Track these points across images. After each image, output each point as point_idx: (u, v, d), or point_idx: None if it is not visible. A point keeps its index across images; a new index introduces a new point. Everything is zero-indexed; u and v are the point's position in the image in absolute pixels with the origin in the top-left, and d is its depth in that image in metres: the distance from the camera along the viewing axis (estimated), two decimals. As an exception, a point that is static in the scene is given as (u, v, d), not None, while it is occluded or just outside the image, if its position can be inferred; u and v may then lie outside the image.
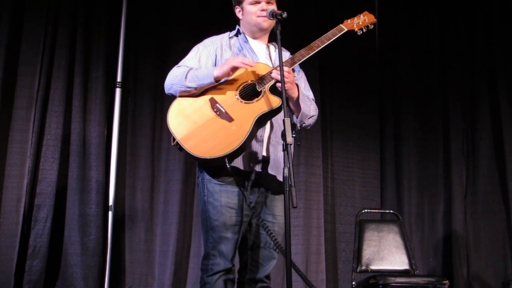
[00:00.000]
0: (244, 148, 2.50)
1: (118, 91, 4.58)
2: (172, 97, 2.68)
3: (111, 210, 4.39)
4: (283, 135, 2.31)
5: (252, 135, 2.50)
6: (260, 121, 2.53)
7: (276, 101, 2.53)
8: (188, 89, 2.57)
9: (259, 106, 2.53)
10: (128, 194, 4.52)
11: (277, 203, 2.64)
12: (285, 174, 2.27)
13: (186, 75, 2.56)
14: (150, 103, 4.67)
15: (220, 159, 2.44)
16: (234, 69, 2.54)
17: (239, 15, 2.80)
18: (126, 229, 4.47)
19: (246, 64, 2.51)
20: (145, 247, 4.48)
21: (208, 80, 2.54)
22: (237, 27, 2.82)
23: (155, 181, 4.60)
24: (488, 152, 5.07)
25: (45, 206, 4.18)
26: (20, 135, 4.19)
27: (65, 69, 4.39)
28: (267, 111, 2.51)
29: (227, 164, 2.44)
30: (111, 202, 4.41)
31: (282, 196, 2.45)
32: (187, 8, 4.84)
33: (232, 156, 2.47)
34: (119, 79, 4.59)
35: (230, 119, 2.51)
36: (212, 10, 4.86)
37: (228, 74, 2.55)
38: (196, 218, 4.55)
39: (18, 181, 4.13)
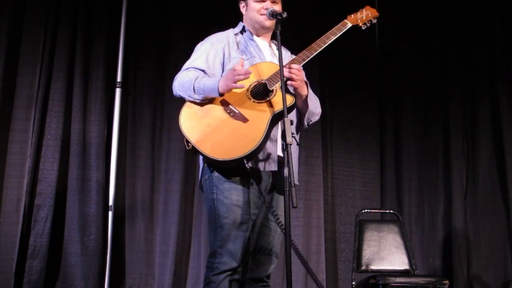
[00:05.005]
0: (261, 148, 2.48)
1: (118, 91, 4.58)
2: (174, 97, 2.67)
3: (111, 210, 4.39)
4: (283, 135, 2.30)
5: (268, 134, 2.48)
6: (275, 120, 2.51)
7: (289, 99, 2.50)
8: (196, 101, 2.55)
9: (273, 105, 2.50)
10: (128, 194, 4.52)
11: (280, 203, 2.63)
12: (285, 174, 2.26)
13: (194, 87, 2.52)
14: (150, 103, 4.67)
15: (239, 160, 2.42)
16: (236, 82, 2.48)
17: (243, 10, 2.80)
18: (126, 229, 4.47)
19: (242, 75, 2.43)
20: (145, 247, 4.48)
21: (213, 94, 2.52)
22: (242, 24, 2.81)
23: (155, 181, 4.59)
24: (488, 152, 5.06)
25: (45, 206, 4.18)
26: (20, 135, 4.19)
27: (65, 69, 4.39)
28: (281, 109, 2.45)
29: (246, 165, 2.41)
30: (111, 202, 4.41)
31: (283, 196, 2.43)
32: (187, 8, 4.84)
33: (250, 156, 2.45)
34: (119, 79, 4.59)
35: (244, 120, 2.49)
36: (212, 10, 4.86)
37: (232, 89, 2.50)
38: (196, 218, 4.55)
39: (18, 181, 4.13)
